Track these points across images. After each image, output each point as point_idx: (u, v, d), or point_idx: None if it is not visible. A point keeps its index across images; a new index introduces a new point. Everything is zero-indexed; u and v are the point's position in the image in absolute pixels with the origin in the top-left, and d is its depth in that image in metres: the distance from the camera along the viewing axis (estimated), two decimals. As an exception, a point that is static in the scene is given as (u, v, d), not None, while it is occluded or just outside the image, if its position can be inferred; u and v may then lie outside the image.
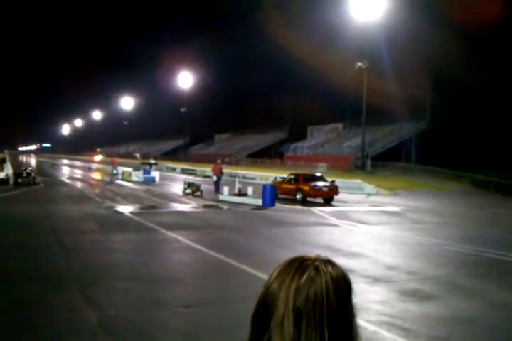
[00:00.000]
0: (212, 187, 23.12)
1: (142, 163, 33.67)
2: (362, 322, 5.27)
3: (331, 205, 19.10)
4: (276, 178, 26.77)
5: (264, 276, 7.01)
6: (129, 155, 79.78)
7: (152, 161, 35.71)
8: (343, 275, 0.97)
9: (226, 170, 25.69)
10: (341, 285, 0.95)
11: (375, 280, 7.51)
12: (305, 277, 0.93)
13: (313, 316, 0.91)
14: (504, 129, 37.23)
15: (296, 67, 54.95)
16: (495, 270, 8.32)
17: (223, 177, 24.12)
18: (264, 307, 0.95)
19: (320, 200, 19.93)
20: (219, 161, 24.94)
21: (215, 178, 23.84)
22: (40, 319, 5.42)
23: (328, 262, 0.97)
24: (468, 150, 37.38)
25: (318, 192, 19.77)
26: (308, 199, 19.95)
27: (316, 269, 0.94)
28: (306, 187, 19.76)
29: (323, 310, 0.91)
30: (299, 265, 0.95)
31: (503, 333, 5.43)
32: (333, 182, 20.99)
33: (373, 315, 5.69)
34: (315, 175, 21.75)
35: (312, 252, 1.02)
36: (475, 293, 7.05)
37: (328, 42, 48.23)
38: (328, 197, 19.98)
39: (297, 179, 20.63)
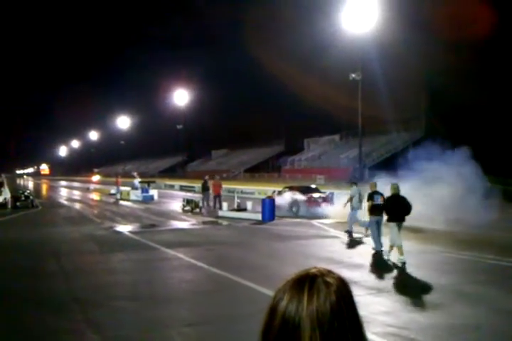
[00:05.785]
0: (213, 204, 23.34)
1: (141, 182, 32.98)
2: (368, 334, 5.20)
3: (329, 217, 19.00)
4: (274, 192, 26.75)
5: (268, 291, 6.97)
6: (126, 175, 79.66)
7: (138, 180, 32.52)
8: (345, 282, 0.96)
9: (224, 185, 25.69)
10: (349, 292, 0.94)
11: (379, 291, 7.46)
12: (322, 297, 0.88)
13: (340, 338, 0.87)
14: (498, 137, 37.42)
15: (290, 80, 55.33)
16: (498, 276, 8.27)
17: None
18: (282, 337, 0.87)
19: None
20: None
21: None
22: (42, 343, 5.35)
23: (331, 273, 0.95)
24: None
25: (314, 203, 19.70)
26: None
27: (327, 284, 0.90)
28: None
29: (346, 327, 0.88)
30: (311, 284, 0.90)
31: (510, 340, 5.37)
32: (331, 194, 20.93)
33: (379, 326, 5.63)
34: (310, 187, 21.62)
35: (315, 266, 1.00)
36: (480, 300, 7.00)
37: (321, 54, 48.66)
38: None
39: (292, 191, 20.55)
